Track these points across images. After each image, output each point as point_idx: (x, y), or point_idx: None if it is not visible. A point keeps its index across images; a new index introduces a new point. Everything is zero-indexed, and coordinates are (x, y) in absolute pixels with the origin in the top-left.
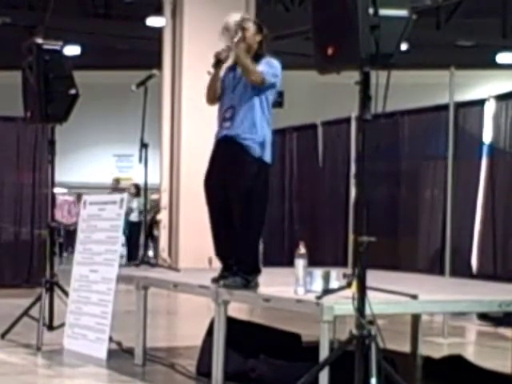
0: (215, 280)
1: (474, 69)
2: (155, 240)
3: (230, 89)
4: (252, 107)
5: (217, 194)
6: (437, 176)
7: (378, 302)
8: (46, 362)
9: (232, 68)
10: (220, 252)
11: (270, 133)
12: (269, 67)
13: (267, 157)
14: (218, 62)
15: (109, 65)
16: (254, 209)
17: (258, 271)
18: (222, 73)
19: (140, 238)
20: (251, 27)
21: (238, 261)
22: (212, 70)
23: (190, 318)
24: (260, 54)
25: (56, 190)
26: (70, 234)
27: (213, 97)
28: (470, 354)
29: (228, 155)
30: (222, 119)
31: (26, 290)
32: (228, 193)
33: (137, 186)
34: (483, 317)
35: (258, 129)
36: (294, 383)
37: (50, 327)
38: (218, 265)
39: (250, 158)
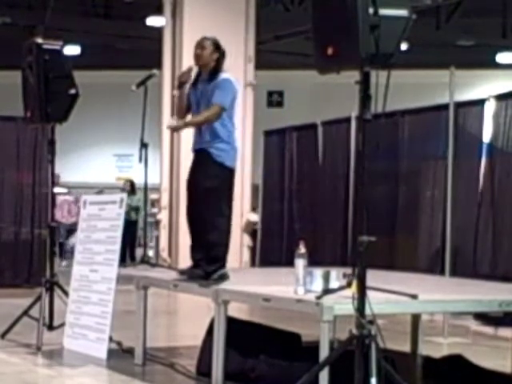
0: (182, 272)
1: (473, 69)
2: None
3: (194, 105)
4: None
5: (189, 198)
6: (437, 176)
7: (378, 302)
8: (46, 361)
9: (194, 85)
10: (197, 248)
11: (234, 138)
12: (223, 93)
13: (228, 161)
14: (182, 84)
15: (109, 64)
16: (212, 206)
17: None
18: (187, 91)
19: (136, 237)
20: (208, 46)
21: (211, 253)
22: (176, 93)
23: (189, 318)
24: (217, 69)
25: (56, 189)
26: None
27: (182, 114)
28: (470, 353)
29: (197, 163)
30: (194, 133)
31: (26, 290)
32: (193, 193)
33: (131, 184)
34: (480, 317)
35: (221, 138)
36: (294, 383)
37: (50, 327)
38: None
39: (211, 161)
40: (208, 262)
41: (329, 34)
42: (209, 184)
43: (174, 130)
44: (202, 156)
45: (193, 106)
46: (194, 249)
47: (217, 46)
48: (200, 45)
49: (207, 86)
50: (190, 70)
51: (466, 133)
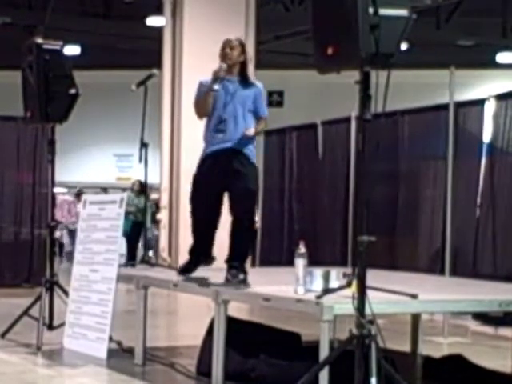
0: (184, 271)
1: (474, 68)
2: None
3: (220, 102)
4: (246, 122)
5: (216, 199)
6: (437, 176)
7: (378, 302)
8: (46, 361)
9: (220, 82)
10: (203, 248)
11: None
12: (264, 102)
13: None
14: (217, 79)
15: (109, 64)
16: (254, 206)
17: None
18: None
19: (140, 238)
20: (237, 47)
21: (242, 255)
22: (217, 87)
23: (189, 318)
24: (246, 73)
25: (56, 189)
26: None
27: (208, 112)
28: (470, 353)
29: (235, 163)
30: (216, 131)
31: (26, 290)
32: (230, 194)
33: (141, 183)
34: (479, 317)
35: (252, 141)
36: (294, 383)
37: (50, 327)
38: (217, 264)
39: (249, 163)
40: (242, 264)
41: (329, 33)
42: (252, 186)
43: (220, 76)
44: (237, 157)
45: (218, 103)
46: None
47: (244, 48)
48: (229, 44)
49: (242, 89)
50: (223, 67)
51: (466, 133)
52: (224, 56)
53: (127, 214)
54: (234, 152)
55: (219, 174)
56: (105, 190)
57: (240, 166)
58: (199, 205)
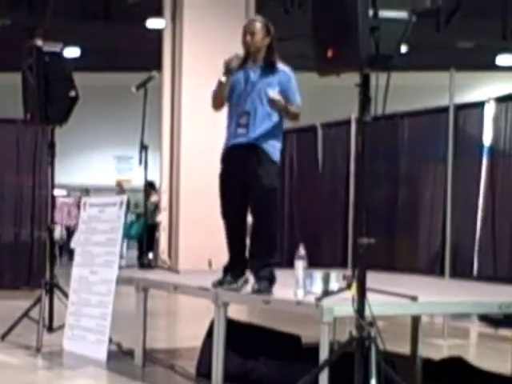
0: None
1: (473, 71)
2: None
3: (241, 94)
4: (269, 116)
5: (237, 196)
6: (437, 178)
7: (377, 304)
8: (46, 363)
9: (240, 71)
10: (240, 257)
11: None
12: (295, 88)
13: (279, 158)
14: (229, 71)
15: (109, 67)
16: (275, 206)
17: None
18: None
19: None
20: (259, 31)
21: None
22: (224, 79)
23: (189, 320)
24: (271, 58)
25: (56, 191)
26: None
27: (221, 103)
28: (470, 355)
29: (251, 159)
30: (237, 124)
31: (26, 292)
32: (248, 193)
33: (151, 185)
34: (484, 318)
35: (275, 135)
36: None
37: (50, 329)
38: (217, 266)
39: (271, 161)
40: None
41: (329, 36)
42: (268, 185)
43: (275, 104)
44: (254, 154)
45: (239, 94)
46: (243, 249)
47: (268, 29)
48: (250, 30)
49: (265, 77)
50: (238, 56)
51: (466, 135)
52: (245, 44)
53: (139, 215)
54: (251, 148)
55: (239, 174)
56: (87, 191)
57: (256, 164)
58: (229, 208)
